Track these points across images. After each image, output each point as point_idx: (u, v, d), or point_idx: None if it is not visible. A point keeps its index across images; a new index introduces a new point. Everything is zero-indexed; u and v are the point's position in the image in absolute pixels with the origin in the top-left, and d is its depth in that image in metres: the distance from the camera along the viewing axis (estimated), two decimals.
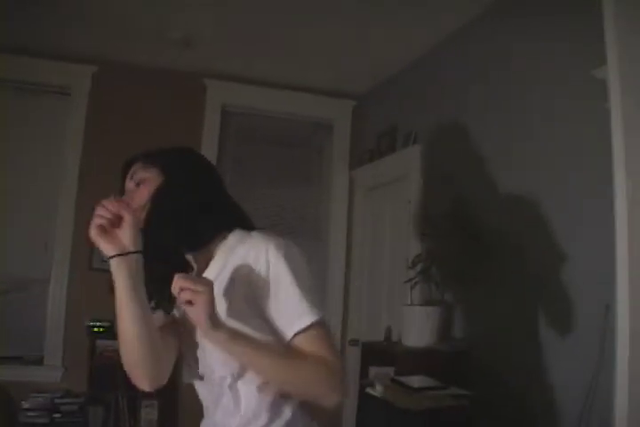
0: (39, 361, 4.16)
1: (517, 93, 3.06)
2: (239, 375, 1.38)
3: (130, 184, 1.49)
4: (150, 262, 1.33)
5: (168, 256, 1.41)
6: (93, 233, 1.28)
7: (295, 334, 1.33)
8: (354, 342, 4.38)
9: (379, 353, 3.34)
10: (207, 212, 1.46)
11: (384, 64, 4.32)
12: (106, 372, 3.96)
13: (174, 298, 1.26)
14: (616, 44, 1.87)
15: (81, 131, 4.36)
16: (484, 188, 3.20)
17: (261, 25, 3.80)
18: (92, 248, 4.27)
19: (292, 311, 1.33)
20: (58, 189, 4.29)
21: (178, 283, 1.22)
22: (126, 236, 1.28)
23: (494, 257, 3.02)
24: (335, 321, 4.78)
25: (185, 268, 1.42)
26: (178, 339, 1.50)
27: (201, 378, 1.46)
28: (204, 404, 1.53)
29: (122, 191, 1.52)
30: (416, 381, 2.73)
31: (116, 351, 4.34)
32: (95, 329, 4.02)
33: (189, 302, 1.22)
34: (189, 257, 1.48)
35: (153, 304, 1.41)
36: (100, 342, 3.97)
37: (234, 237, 1.46)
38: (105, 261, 1.29)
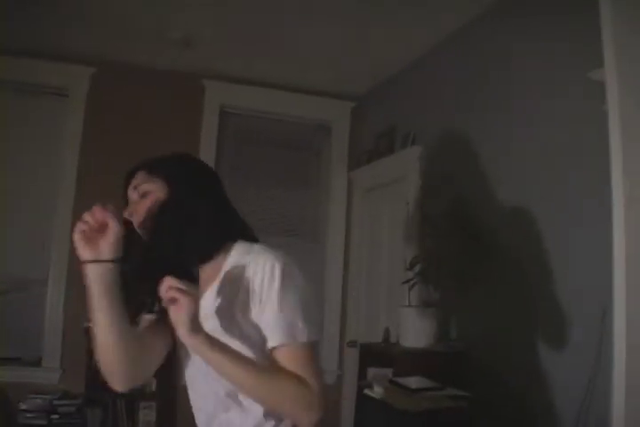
0: (37, 362, 4.16)
1: (517, 93, 3.06)
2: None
3: (133, 195, 1.48)
4: (155, 274, 1.30)
5: (175, 269, 1.38)
6: (76, 237, 1.28)
7: (278, 348, 1.33)
8: (352, 344, 4.37)
9: (377, 354, 3.34)
10: (213, 224, 1.45)
11: (384, 64, 4.32)
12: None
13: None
14: (613, 45, 1.86)
15: (79, 131, 4.36)
16: (483, 188, 3.20)
17: (260, 25, 3.80)
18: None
19: (282, 325, 1.33)
20: (56, 190, 4.28)
21: (167, 282, 1.23)
22: (106, 244, 1.29)
23: (492, 258, 3.02)
24: (333, 323, 4.78)
25: (189, 280, 1.41)
26: (166, 342, 1.49)
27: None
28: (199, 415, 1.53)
29: (124, 198, 1.51)
30: (414, 382, 2.72)
31: None
32: None
33: (173, 301, 1.23)
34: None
35: (152, 308, 1.41)
36: None
37: (237, 250, 1.45)
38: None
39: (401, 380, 2.76)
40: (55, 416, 3.83)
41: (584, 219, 2.51)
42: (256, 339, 1.37)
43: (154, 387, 4.01)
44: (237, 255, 1.44)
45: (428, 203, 3.67)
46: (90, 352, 3.92)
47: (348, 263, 4.87)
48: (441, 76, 3.83)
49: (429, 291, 3.26)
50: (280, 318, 1.33)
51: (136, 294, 1.37)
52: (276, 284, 1.34)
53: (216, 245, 1.45)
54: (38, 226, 4.29)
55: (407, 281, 3.22)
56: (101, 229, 1.29)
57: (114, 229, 1.29)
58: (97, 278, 1.29)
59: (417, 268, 3.20)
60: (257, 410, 1.39)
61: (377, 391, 2.74)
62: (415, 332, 3.11)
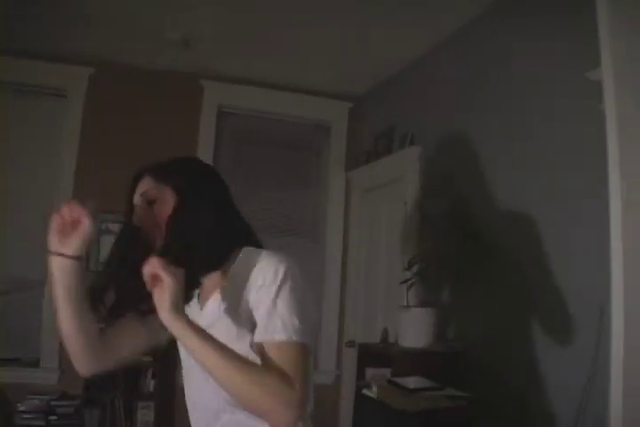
0: (36, 363, 4.16)
1: (517, 93, 3.06)
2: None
3: (140, 201, 1.47)
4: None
5: (188, 278, 1.39)
6: (52, 227, 1.32)
7: (268, 344, 1.30)
8: (350, 344, 4.38)
9: (375, 355, 3.34)
10: (224, 231, 1.45)
11: (383, 64, 4.32)
12: (102, 374, 3.95)
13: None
14: (610, 45, 1.87)
15: (78, 132, 4.36)
16: (482, 188, 3.20)
17: (259, 26, 3.80)
18: (89, 250, 4.30)
19: (274, 322, 1.31)
20: (55, 190, 4.28)
21: (151, 263, 1.24)
22: (75, 240, 1.31)
23: (491, 258, 3.02)
24: (332, 323, 4.78)
25: (195, 286, 1.42)
26: (146, 338, 1.54)
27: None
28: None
29: (129, 202, 1.50)
30: (412, 382, 2.72)
31: None
32: None
33: (157, 282, 1.23)
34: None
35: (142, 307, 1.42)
36: None
37: (243, 256, 1.44)
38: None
39: (399, 380, 2.76)
40: (53, 417, 3.82)
41: (583, 219, 2.51)
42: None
43: (152, 387, 4.01)
44: (243, 261, 1.43)
45: (427, 203, 3.67)
46: None
47: (346, 263, 4.87)
48: (441, 76, 3.83)
49: (428, 291, 3.26)
50: (274, 314, 1.32)
51: (132, 292, 1.37)
52: (276, 284, 1.34)
53: (226, 253, 1.45)
54: (38, 226, 4.26)
55: (405, 281, 3.22)
56: (75, 224, 1.31)
57: (86, 227, 1.30)
58: (58, 271, 1.33)
59: (415, 268, 3.20)
60: None
61: (375, 391, 2.74)
62: (414, 332, 3.10)
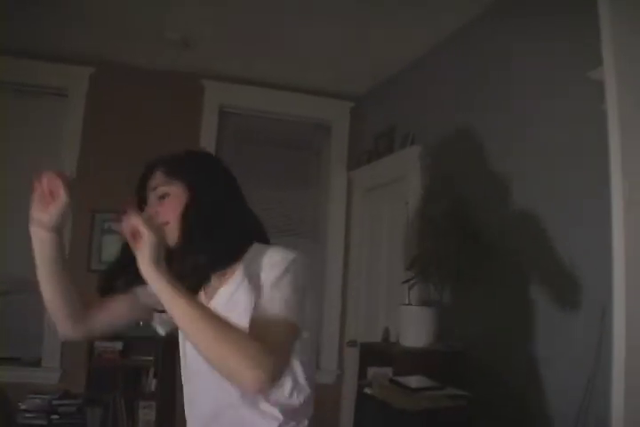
0: (37, 362, 4.16)
1: (517, 93, 3.06)
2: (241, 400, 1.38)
3: (151, 196, 1.48)
4: (180, 278, 1.31)
5: (201, 274, 1.42)
6: (33, 197, 1.33)
7: (257, 318, 1.30)
8: (352, 343, 4.38)
9: (377, 354, 3.34)
10: (236, 228, 1.46)
11: (383, 64, 4.32)
12: (104, 373, 3.97)
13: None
14: (612, 45, 1.87)
15: (78, 132, 4.36)
16: (483, 188, 3.20)
17: (260, 25, 3.80)
18: (90, 250, 4.31)
19: (267, 299, 1.32)
20: None
21: (131, 218, 1.25)
22: (52, 211, 1.33)
23: (492, 257, 3.02)
24: (333, 322, 4.78)
25: (205, 282, 1.44)
26: (135, 314, 1.58)
27: None
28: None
29: (138, 195, 1.51)
30: (414, 381, 2.72)
31: (115, 353, 4.34)
32: None
33: (137, 238, 1.24)
34: None
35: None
36: (98, 344, 3.98)
37: (254, 252, 1.45)
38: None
39: (401, 379, 2.76)
40: (55, 416, 3.83)
41: (584, 218, 2.51)
42: None
43: (153, 387, 4.02)
44: (252, 258, 1.43)
45: (428, 203, 3.68)
46: (89, 352, 3.94)
47: (347, 263, 4.88)
48: (441, 76, 3.83)
49: (429, 290, 3.26)
50: (270, 296, 1.32)
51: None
52: (279, 272, 1.35)
53: (238, 250, 1.45)
54: None
55: (407, 281, 3.22)
56: (54, 196, 1.32)
57: (61, 199, 1.32)
58: (36, 242, 1.36)
59: (417, 267, 3.20)
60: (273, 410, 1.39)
61: (376, 390, 2.74)
62: (415, 331, 3.11)
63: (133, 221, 1.25)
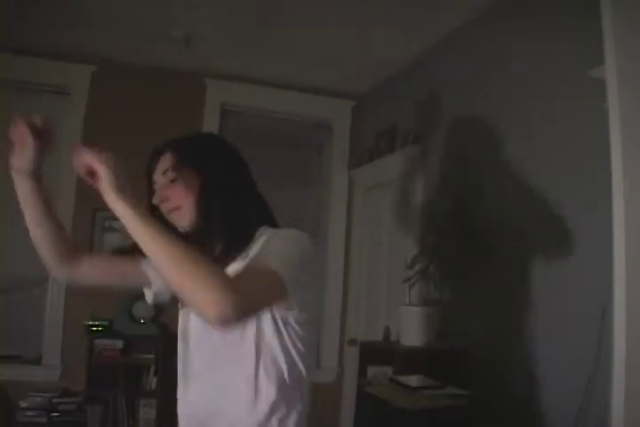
0: (37, 360, 4.16)
1: (517, 93, 3.06)
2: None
3: (161, 179, 1.48)
4: None
5: (219, 259, 1.43)
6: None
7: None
8: (352, 342, 4.38)
9: (377, 353, 3.34)
10: (250, 212, 1.48)
11: (384, 64, 4.32)
12: (104, 371, 3.98)
13: None
14: (614, 43, 1.86)
15: (80, 130, 4.36)
16: (484, 187, 3.20)
17: (261, 24, 3.80)
18: (91, 248, 4.31)
19: (263, 253, 1.33)
20: (57, 188, 4.28)
21: (81, 156, 1.27)
22: (23, 157, 1.38)
23: (493, 257, 3.02)
24: (334, 321, 4.79)
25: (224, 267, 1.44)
26: (132, 278, 1.62)
27: None
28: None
29: (148, 177, 1.51)
30: (414, 380, 2.73)
31: (115, 351, 4.33)
32: (93, 328, 4.03)
33: (94, 173, 1.25)
34: None
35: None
36: (99, 342, 3.99)
37: (262, 235, 1.45)
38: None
39: (401, 378, 2.76)
40: (55, 414, 3.84)
41: (584, 218, 2.51)
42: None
43: (154, 385, 4.02)
44: (260, 241, 1.43)
45: (429, 201, 3.68)
46: (90, 350, 3.94)
47: (348, 262, 4.88)
48: (441, 76, 3.83)
49: (430, 289, 3.26)
50: (267, 248, 1.34)
51: None
52: (286, 237, 1.40)
53: (250, 234, 1.46)
54: None
55: (408, 279, 3.22)
56: (24, 142, 1.36)
57: (29, 144, 1.36)
58: (16, 186, 1.43)
59: (417, 266, 3.20)
60: (265, 397, 1.39)
61: (376, 389, 2.74)
62: (415, 330, 3.11)
63: (85, 158, 1.25)
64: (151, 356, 4.04)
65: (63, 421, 3.84)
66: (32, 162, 1.38)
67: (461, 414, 2.55)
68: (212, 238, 1.41)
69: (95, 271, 1.61)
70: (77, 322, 4.08)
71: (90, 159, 1.25)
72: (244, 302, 1.18)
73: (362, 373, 3.30)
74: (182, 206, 1.44)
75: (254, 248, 1.42)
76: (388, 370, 3.03)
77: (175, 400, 1.56)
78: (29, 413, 3.79)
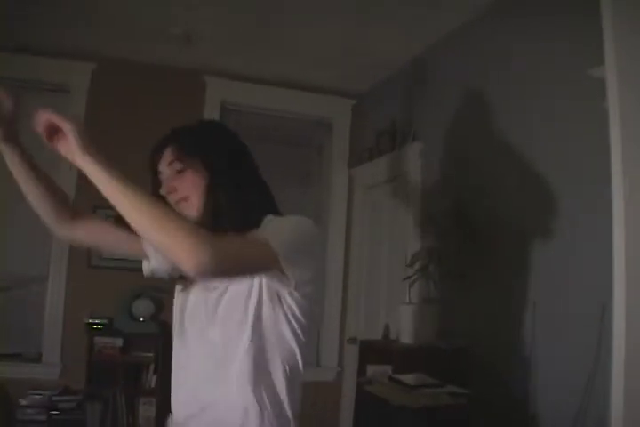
0: (37, 358, 4.16)
1: (517, 93, 3.06)
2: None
3: (167, 170, 1.48)
4: None
5: None
6: None
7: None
8: (352, 341, 4.39)
9: (377, 351, 3.35)
10: (256, 199, 1.49)
11: (384, 62, 4.32)
12: (104, 369, 3.98)
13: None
14: (614, 43, 1.86)
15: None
16: (484, 186, 3.20)
17: (262, 22, 3.80)
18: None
19: (263, 232, 1.34)
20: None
21: (43, 115, 1.26)
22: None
23: (493, 255, 3.02)
24: (333, 319, 4.79)
25: None
26: (130, 247, 1.60)
27: None
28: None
29: (153, 167, 1.51)
30: (413, 379, 2.73)
31: (115, 349, 4.33)
32: (93, 326, 4.03)
33: (53, 134, 1.25)
34: None
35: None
36: (99, 339, 3.99)
37: (266, 223, 1.46)
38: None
39: (400, 377, 2.77)
40: (55, 412, 3.85)
41: (584, 217, 2.51)
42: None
43: (153, 383, 4.02)
44: (264, 228, 1.44)
45: (429, 200, 3.68)
46: (90, 348, 3.94)
47: (348, 260, 4.88)
48: (441, 75, 3.83)
49: (430, 288, 3.27)
50: (267, 227, 1.35)
51: None
52: (290, 220, 1.41)
53: (256, 222, 1.46)
54: (38, 224, 4.26)
55: (408, 278, 3.23)
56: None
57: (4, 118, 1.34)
58: (2, 152, 1.40)
59: (417, 264, 3.20)
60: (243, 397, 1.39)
61: (376, 388, 2.75)
62: (415, 329, 3.11)
63: (48, 116, 1.24)
64: (151, 354, 4.04)
65: (63, 419, 3.84)
66: (3, 127, 1.37)
67: (461, 413, 2.56)
68: (221, 227, 1.40)
69: (90, 233, 1.60)
70: (77, 320, 4.08)
71: (54, 117, 1.23)
72: (223, 255, 1.18)
73: (361, 371, 3.30)
74: (190, 196, 1.44)
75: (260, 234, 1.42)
76: (388, 369, 3.04)
77: None
78: (29, 411, 3.80)
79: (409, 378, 2.74)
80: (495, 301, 3.02)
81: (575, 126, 2.63)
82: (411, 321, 3.15)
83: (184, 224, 1.18)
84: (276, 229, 1.35)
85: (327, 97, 4.95)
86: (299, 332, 1.44)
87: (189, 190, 1.44)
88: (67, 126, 1.23)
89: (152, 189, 1.50)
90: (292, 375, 1.44)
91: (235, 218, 1.43)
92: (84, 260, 4.21)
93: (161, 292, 3.87)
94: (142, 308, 4.10)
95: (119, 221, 1.47)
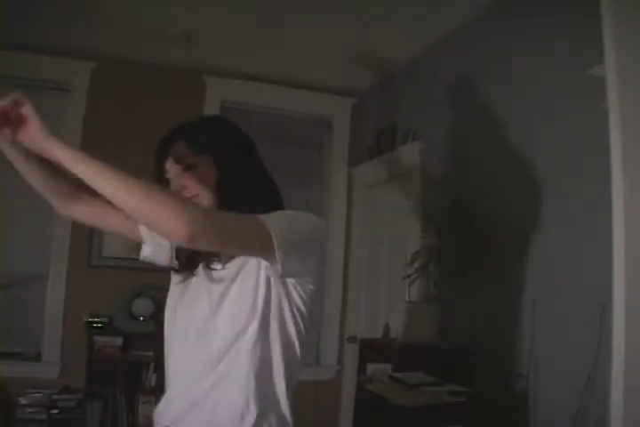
0: (37, 357, 4.16)
1: (517, 93, 3.06)
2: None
3: (174, 167, 1.45)
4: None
5: None
6: None
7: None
8: (352, 339, 4.39)
9: (377, 350, 3.35)
10: (265, 194, 1.50)
11: (384, 62, 4.32)
12: (104, 368, 3.98)
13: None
14: (614, 43, 1.87)
15: (80, 126, 4.36)
16: (484, 186, 3.21)
17: (262, 22, 3.80)
18: (91, 246, 4.31)
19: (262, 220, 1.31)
20: None
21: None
22: None
23: (493, 254, 3.03)
24: (333, 318, 4.79)
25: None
26: (125, 228, 1.59)
27: None
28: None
29: (159, 166, 1.49)
30: (413, 377, 2.74)
31: (115, 348, 4.32)
32: (93, 325, 4.04)
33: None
34: None
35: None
36: (98, 338, 3.99)
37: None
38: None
39: (400, 375, 2.77)
40: (55, 411, 3.84)
41: (584, 217, 2.52)
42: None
43: (153, 382, 4.03)
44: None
45: (429, 199, 3.69)
46: (90, 347, 3.95)
47: (348, 259, 4.89)
48: (441, 75, 3.83)
49: (429, 287, 3.27)
50: (270, 216, 1.32)
51: None
52: (291, 211, 1.42)
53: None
54: (39, 223, 4.28)
55: (407, 277, 3.23)
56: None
57: None
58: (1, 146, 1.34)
59: (417, 263, 3.21)
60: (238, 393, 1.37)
61: (376, 387, 2.75)
62: (415, 327, 3.12)
63: (14, 102, 1.19)
64: (151, 353, 4.05)
65: (63, 417, 3.84)
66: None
67: (461, 411, 2.56)
68: None
69: (90, 215, 1.60)
70: (77, 319, 4.08)
71: (5, 101, 1.18)
72: (210, 222, 1.17)
73: (361, 370, 3.31)
74: (200, 194, 1.42)
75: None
76: (388, 367, 3.04)
77: None
78: (29, 409, 3.80)
79: (409, 377, 2.74)
80: (495, 300, 3.02)
81: (575, 126, 2.63)
82: (410, 320, 3.15)
83: (167, 194, 1.18)
84: (275, 219, 1.32)
85: (327, 96, 4.95)
86: (302, 327, 1.44)
87: (199, 188, 1.42)
88: (28, 108, 1.20)
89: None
90: (291, 372, 1.43)
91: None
92: (84, 259, 4.22)
93: (161, 291, 3.86)
94: (142, 307, 4.11)
95: None
